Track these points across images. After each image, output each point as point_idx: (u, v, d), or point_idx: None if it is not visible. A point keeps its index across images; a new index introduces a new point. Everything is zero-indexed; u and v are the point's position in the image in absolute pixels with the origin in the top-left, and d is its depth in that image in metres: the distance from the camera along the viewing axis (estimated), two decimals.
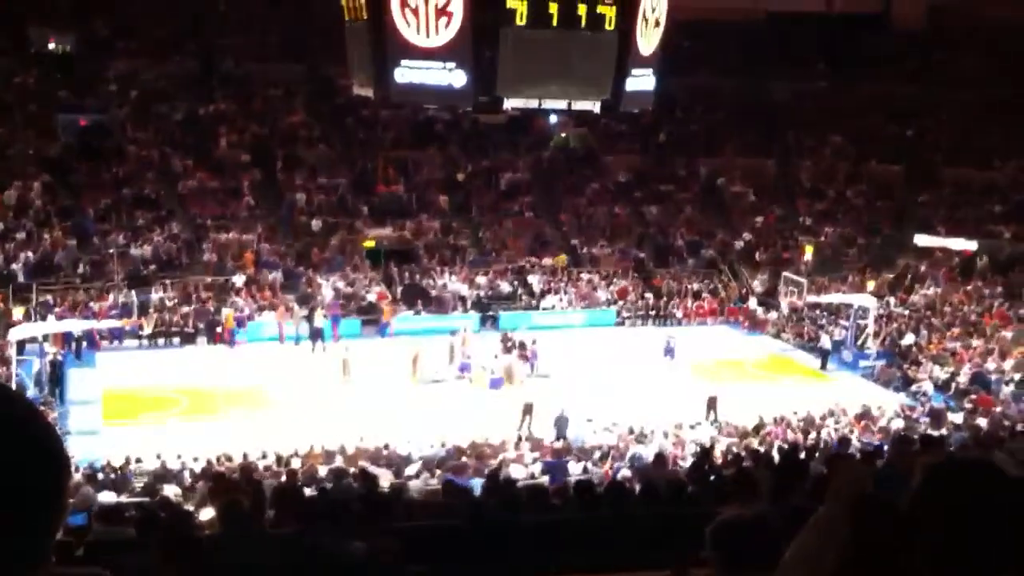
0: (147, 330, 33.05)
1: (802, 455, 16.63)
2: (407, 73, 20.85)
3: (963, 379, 30.73)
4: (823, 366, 33.44)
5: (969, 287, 38.66)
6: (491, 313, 37.34)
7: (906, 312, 37.24)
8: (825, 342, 33.91)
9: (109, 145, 40.26)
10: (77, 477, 18.98)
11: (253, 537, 7.76)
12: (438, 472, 19.72)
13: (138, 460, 20.66)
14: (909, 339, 34.34)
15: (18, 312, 30.59)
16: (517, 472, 19.85)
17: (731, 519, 3.05)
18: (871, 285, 38.06)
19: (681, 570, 4.90)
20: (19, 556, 1.03)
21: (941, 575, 1.74)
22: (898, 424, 24.89)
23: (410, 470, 20.17)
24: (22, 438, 1.05)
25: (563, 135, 46.26)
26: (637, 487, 12.27)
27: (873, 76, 48.06)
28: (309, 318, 33.72)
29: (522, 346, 31.64)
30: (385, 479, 17.71)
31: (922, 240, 42.21)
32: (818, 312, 37.65)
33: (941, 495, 1.77)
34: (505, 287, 38.90)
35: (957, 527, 1.74)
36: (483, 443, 22.37)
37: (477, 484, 17.58)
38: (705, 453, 18.67)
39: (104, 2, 43.70)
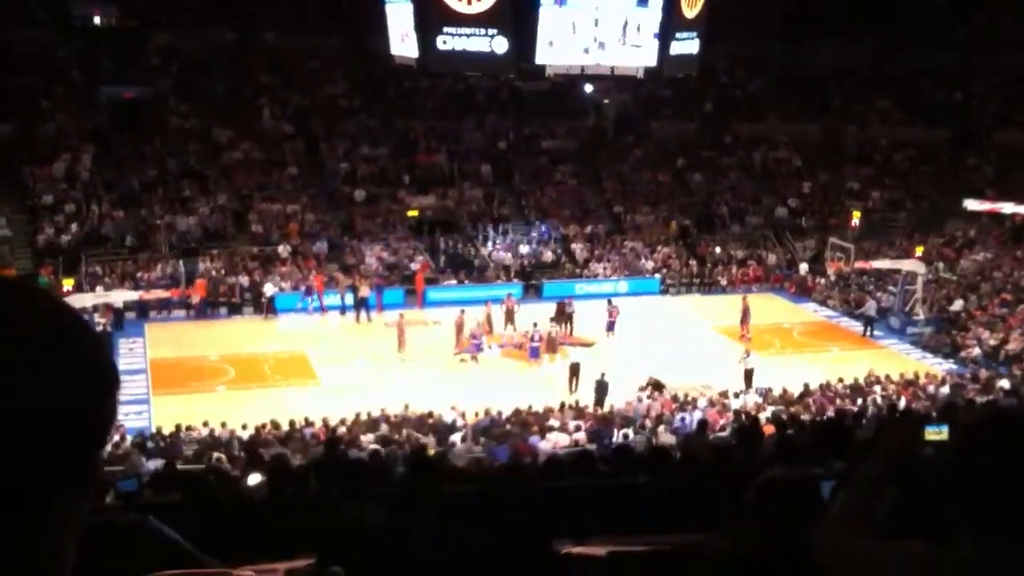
0: (195, 300, 33.39)
1: (848, 422, 16.48)
2: (449, 40, 20.82)
3: (1013, 345, 30.26)
4: (867, 332, 33.04)
5: (1019, 252, 38.01)
6: (534, 282, 37.31)
7: (955, 278, 36.72)
8: (870, 308, 33.49)
9: (152, 118, 40.61)
10: (126, 444, 19.35)
11: (298, 501, 7.83)
12: (482, 440, 19.84)
13: (188, 428, 20.95)
14: (958, 305, 33.88)
15: (67, 283, 31.00)
16: (561, 440, 19.91)
17: (777, 476, 3.01)
18: (919, 250, 37.54)
19: (712, 537, 4.86)
20: (70, 465, 1.03)
21: (984, 524, 1.70)
22: (946, 391, 24.61)
23: (454, 437, 20.31)
24: (71, 345, 1.04)
25: (606, 101, 45.92)
26: (678, 454, 12.24)
27: (920, 41, 47.18)
28: (353, 288, 33.85)
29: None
30: (430, 447, 17.86)
31: (971, 204, 41.54)
32: (865, 278, 37.22)
33: (984, 444, 1.73)
34: (548, 255, 38.85)
35: (1001, 476, 1.69)
36: (526, 411, 22.43)
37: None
38: (754, 420, 18.59)
39: None
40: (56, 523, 1.02)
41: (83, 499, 1.05)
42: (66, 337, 1.05)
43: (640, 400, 24.04)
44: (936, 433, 6.59)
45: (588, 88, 38.79)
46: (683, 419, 21.81)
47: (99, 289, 31.54)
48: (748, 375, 26.72)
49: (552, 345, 29.38)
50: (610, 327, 31.44)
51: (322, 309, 33.80)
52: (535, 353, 28.90)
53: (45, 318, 1.04)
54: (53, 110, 39.58)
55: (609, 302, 32.11)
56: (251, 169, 39.93)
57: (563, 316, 32.20)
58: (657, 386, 25.07)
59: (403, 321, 30.06)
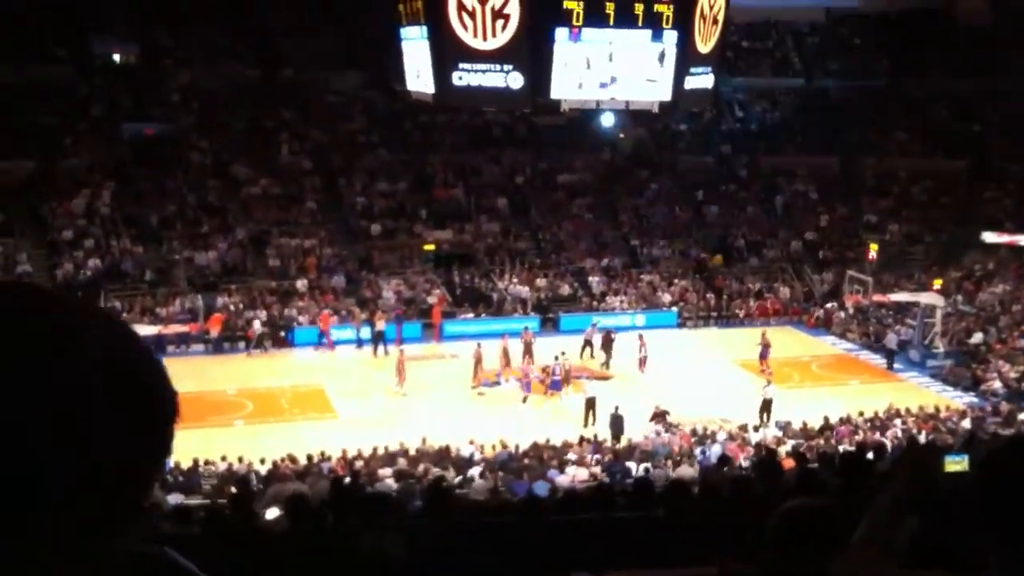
0: (213, 335, 33.49)
1: (869, 456, 16.36)
2: (465, 76, 20.91)
3: None
4: (889, 366, 32.87)
5: None
6: (551, 315, 37.30)
7: (974, 311, 36.51)
8: (891, 341, 33.32)
9: (173, 154, 40.98)
10: None
11: (317, 534, 7.83)
12: (500, 474, 19.78)
13: (206, 463, 20.96)
14: (978, 338, 33.68)
15: None
16: (580, 474, 19.85)
17: (795, 507, 3.01)
18: (938, 283, 37.36)
19: (726, 564, 4.84)
20: (131, 489, 1.04)
21: (1005, 552, 1.69)
22: (967, 424, 24.43)
23: (472, 472, 20.25)
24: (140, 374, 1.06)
25: (621, 135, 46.07)
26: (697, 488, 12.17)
27: (937, 72, 47.23)
28: (370, 322, 33.92)
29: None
30: (447, 480, 17.80)
31: (989, 237, 41.36)
32: (884, 311, 37.06)
33: (1006, 469, 1.72)
34: (565, 289, 38.87)
35: (1019, 503, 1.69)
36: (544, 445, 22.38)
37: (542, 487, 17.62)
38: (771, 454, 18.49)
39: (166, 12, 44.40)
40: (103, 550, 1.03)
41: (131, 526, 1.06)
42: (132, 362, 1.06)
43: (659, 434, 23.96)
44: (956, 463, 6.56)
45: (609, 121, 39.00)
46: (703, 452, 21.71)
47: None
48: (766, 405, 26.58)
49: (567, 378, 29.29)
50: (643, 362, 31.32)
51: (330, 346, 33.78)
52: (556, 386, 28.77)
53: (115, 340, 1.06)
54: (75, 146, 39.97)
55: (640, 337, 31.92)
56: (269, 204, 40.18)
57: (609, 345, 32.31)
58: (661, 416, 25.01)
59: (403, 356, 30.06)
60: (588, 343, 32.96)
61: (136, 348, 1.08)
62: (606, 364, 32.08)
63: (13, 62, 39.95)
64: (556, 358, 29.40)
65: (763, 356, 31.71)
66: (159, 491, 17.29)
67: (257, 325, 33.73)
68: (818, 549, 2.73)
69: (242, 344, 33.73)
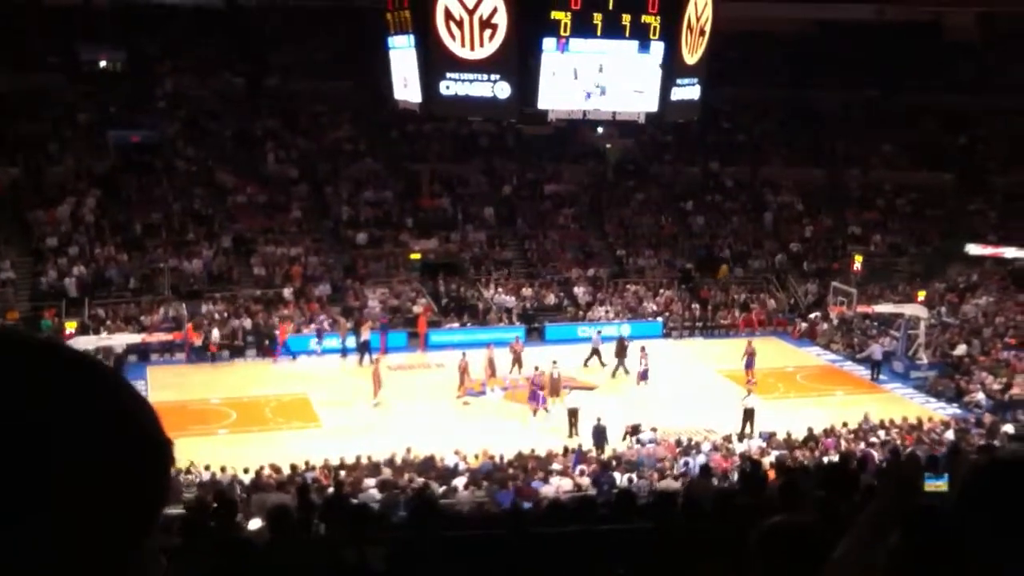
0: (197, 343, 33.38)
1: (852, 467, 16.39)
2: (452, 85, 20.93)
3: (1017, 390, 30.15)
4: (874, 377, 32.97)
5: (1022, 297, 37.98)
6: (536, 325, 37.30)
7: (958, 322, 36.67)
8: (876, 353, 33.41)
9: (159, 161, 40.86)
10: None
11: (300, 544, 7.79)
12: (484, 484, 19.73)
13: (187, 472, 20.85)
14: (961, 350, 33.82)
15: (70, 327, 31.01)
16: (564, 484, 19.82)
17: (778, 524, 3.00)
18: (922, 295, 37.53)
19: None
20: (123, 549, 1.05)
21: (986, 572, 1.69)
22: (950, 436, 24.50)
23: (457, 482, 20.20)
24: (132, 425, 1.06)
25: (608, 146, 46.17)
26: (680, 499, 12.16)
27: (924, 85, 47.49)
28: (356, 331, 33.84)
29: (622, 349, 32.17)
30: (432, 490, 17.76)
31: (974, 249, 41.57)
32: (868, 322, 37.19)
33: (987, 492, 1.72)
34: (551, 298, 38.88)
35: (1005, 525, 1.68)
36: (529, 455, 22.34)
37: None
38: (755, 465, 18.49)
39: (153, 20, 44.35)
40: None
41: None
42: (129, 412, 1.06)
43: (643, 444, 23.96)
44: (936, 485, 6.58)
45: (599, 131, 38.94)
46: (686, 464, 21.72)
47: (102, 332, 31.55)
48: (748, 414, 26.63)
49: (556, 388, 29.13)
50: (643, 375, 31.09)
51: (291, 355, 33.62)
52: (535, 397, 28.55)
53: (108, 392, 1.06)
54: (61, 153, 39.82)
55: (642, 349, 31.71)
56: (255, 212, 40.09)
57: (623, 352, 32.36)
58: (634, 431, 24.99)
59: (378, 366, 30.00)
60: (596, 351, 32.97)
61: (134, 397, 1.08)
62: (616, 372, 32.07)
63: (0, 69, 39.84)
64: (536, 368, 29.21)
65: (748, 366, 31.77)
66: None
67: (216, 334, 33.56)
68: (801, 566, 2.72)
69: (226, 353, 33.59)
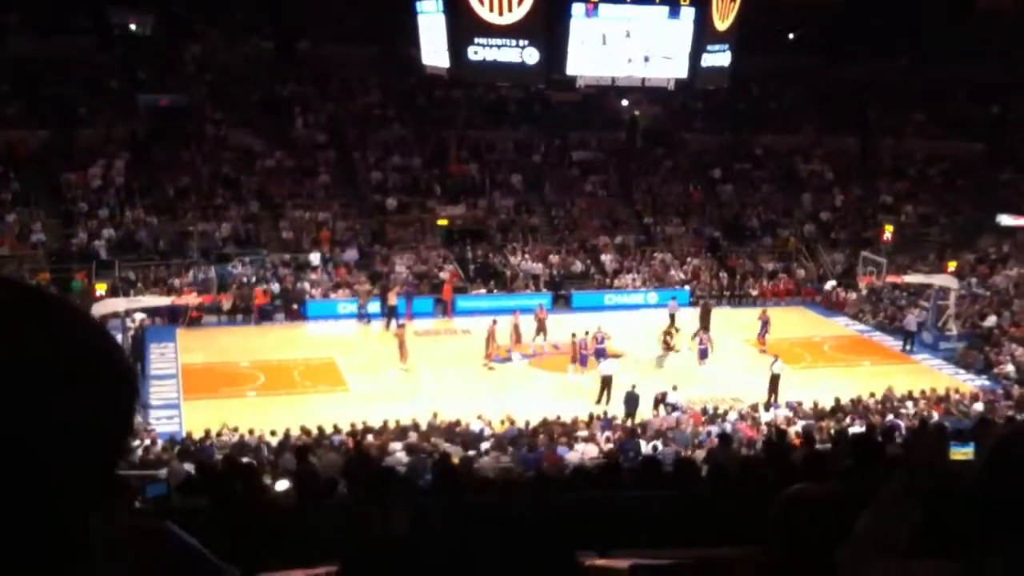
0: (226, 306, 33.62)
1: (879, 438, 16.34)
2: (480, 51, 20.88)
3: None
4: (906, 347, 32.67)
5: None
6: (563, 292, 37.28)
7: (988, 293, 36.35)
8: (910, 323, 33.05)
9: (188, 125, 40.99)
10: (157, 449, 19.51)
11: (326, 506, 7.87)
12: (510, 449, 19.84)
13: (218, 434, 21.09)
14: (991, 321, 33.53)
15: (100, 288, 31.29)
16: (590, 451, 19.88)
17: (800, 493, 2.99)
18: (952, 265, 37.19)
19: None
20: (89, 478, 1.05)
21: (1008, 541, 1.68)
22: (979, 407, 24.36)
23: (482, 447, 20.32)
24: (91, 352, 1.07)
25: (636, 113, 45.87)
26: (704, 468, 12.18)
27: (957, 56, 46.81)
28: (382, 296, 33.95)
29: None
30: (456, 456, 17.88)
31: (1005, 220, 41.13)
32: (898, 293, 36.92)
33: (1011, 458, 1.70)
34: (578, 266, 38.82)
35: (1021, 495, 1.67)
36: (554, 421, 22.42)
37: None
38: (781, 435, 18.48)
39: None
40: (71, 531, 1.04)
41: (97, 508, 1.07)
42: (88, 343, 1.06)
43: (670, 412, 23.98)
44: (963, 453, 6.54)
45: (624, 103, 38.68)
46: (709, 433, 21.72)
47: (132, 294, 31.81)
48: (774, 380, 26.59)
49: (577, 355, 29.10)
50: (703, 355, 29.73)
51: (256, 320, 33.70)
52: (584, 361, 28.55)
53: (64, 322, 1.06)
54: (91, 117, 40.01)
55: (705, 330, 31.12)
56: (283, 177, 40.20)
57: (673, 320, 32.56)
58: (662, 399, 25.00)
59: (403, 332, 30.03)
60: (672, 316, 33.11)
61: (97, 329, 1.09)
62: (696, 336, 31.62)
63: (32, 32, 40.00)
64: (587, 333, 29.04)
65: (761, 333, 31.69)
66: (179, 463, 17.42)
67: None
68: (823, 537, 2.72)
69: (254, 316, 33.83)
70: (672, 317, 33.11)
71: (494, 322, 30.26)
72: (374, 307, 34.01)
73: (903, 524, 2.26)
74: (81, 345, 1.06)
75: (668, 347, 30.45)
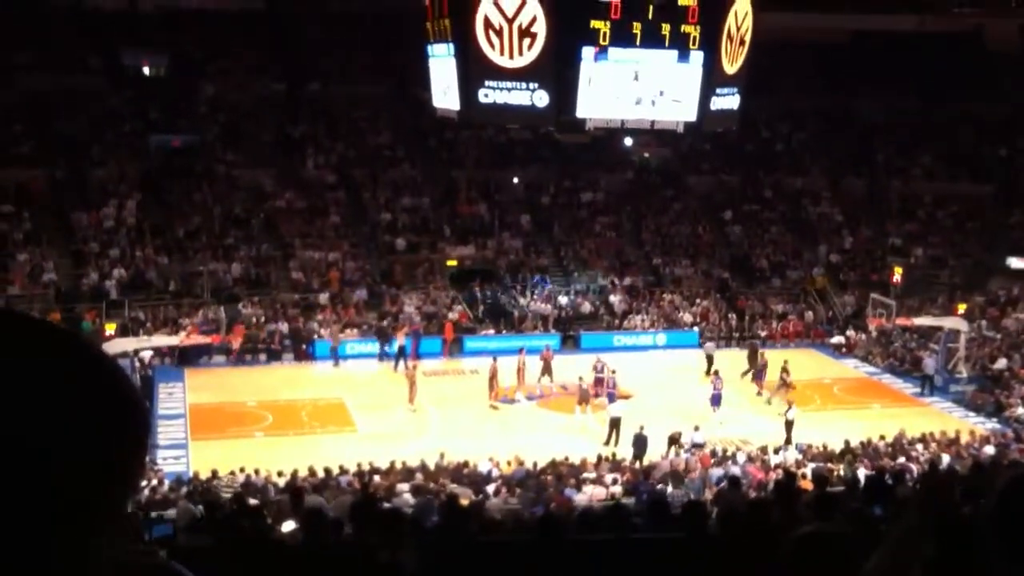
0: (235, 346, 33.65)
1: (889, 480, 16.23)
2: (491, 94, 21.01)
3: None
4: (924, 391, 32.45)
5: None
6: (572, 333, 37.23)
7: (998, 336, 36.20)
8: (928, 367, 32.75)
9: (199, 165, 41.27)
10: (163, 489, 19.44)
11: (332, 547, 7.83)
12: (517, 491, 19.71)
13: (231, 473, 21.01)
14: (1001, 363, 33.38)
15: (110, 328, 31.36)
16: (597, 493, 19.75)
17: (811, 533, 2.98)
18: (962, 308, 37.08)
19: None
20: (101, 515, 1.06)
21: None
22: (989, 451, 24.17)
23: (490, 488, 20.19)
24: (105, 390, 1.09)
25: (645, 154, 46.04)
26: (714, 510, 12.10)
27: (965, 96, 46.97)
28: (387, 337, 33.98)
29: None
30: (465, 497, 17.77)
31: (1015, 262, 41.06)
32: (909, 336, 36.80)
33: (1020, 502, 1.71)
34: (586, 307, 38.81)
35: None
36: (562, 462, 22.29)
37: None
38: (790, 477, 18.34)
39: (195, 26, 44.81)
40: (76, 553, 1.05)
41: (103, 537, 1.07)
42: (101, 376, 1.08)
43: (678, 454, 23.85)
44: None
45: (628, 142, 38.87)
46: (719, 476, 21.54)
47: (141, 334, 31.88)
48: (789, 427, 26.48)
49: (584, 397, 29.06)
50: (715, 400, 28.80)
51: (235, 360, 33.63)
52: (612, 397, 28.49)
53: (77, 355, 1.08)
54: (103, 157, 40.31)
55: (716, 373, 30.14)
56: (294, 217, 40.38)
57: (755, 357, 32.67)
58: (676, 439, 24.86)
59: (414, 372, 29.97)
60: (710, 358, 33.02)
61: (111, 364, 1.11)
62: (746, 375, 32.33)
63: (45, 70, 40.42)
64: (596, 368, 29.43)
65: (758, 376, 31.54)
66: (187, 503, 17.35)
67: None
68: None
69: (263, 356, 33.85)
70: (710, 359, 32.91)
71: (495, 360, 30.22)
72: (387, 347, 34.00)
73: (914, 562, 2.26)
74: (96, 378, 1.08)
75: (786, 384, 30.37)
